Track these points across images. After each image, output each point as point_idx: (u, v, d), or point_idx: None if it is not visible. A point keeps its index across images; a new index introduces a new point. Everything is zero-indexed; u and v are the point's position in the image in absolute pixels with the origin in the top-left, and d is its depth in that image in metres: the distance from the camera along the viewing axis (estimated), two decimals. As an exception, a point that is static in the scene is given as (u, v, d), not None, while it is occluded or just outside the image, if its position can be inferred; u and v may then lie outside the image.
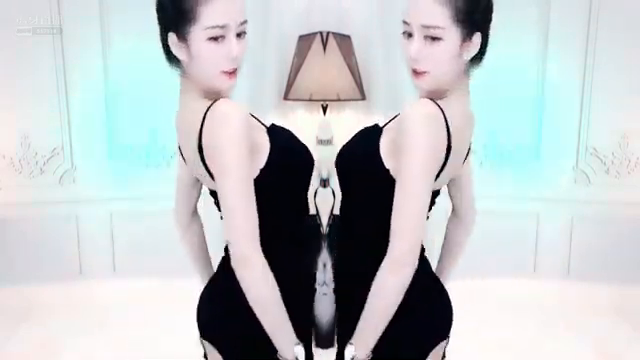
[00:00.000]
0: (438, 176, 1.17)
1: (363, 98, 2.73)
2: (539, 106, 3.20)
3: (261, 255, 1.12)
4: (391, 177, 1.17)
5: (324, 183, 2.73)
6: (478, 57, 1.21)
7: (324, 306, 2.72)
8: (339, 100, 2.66)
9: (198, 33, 1.10)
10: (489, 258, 3.12)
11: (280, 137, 1.26)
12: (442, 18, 1.10)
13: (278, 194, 1.23)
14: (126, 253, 3.32)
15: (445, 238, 1.53)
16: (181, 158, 1.35)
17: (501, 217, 3.28)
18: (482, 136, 3.24)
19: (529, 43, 3.12)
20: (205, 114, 1.12)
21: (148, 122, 3.19)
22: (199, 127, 1.12)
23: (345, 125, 3.05)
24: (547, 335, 2.85)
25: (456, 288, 1.50)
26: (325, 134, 2.75)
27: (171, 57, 1.19)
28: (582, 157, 3.22)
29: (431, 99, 1.15)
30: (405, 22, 1.16)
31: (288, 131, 1.32)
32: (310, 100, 2.66)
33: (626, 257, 3.24)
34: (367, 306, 1.15)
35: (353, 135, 1.34)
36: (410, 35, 1.15)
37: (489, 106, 3.21)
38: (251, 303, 1.14)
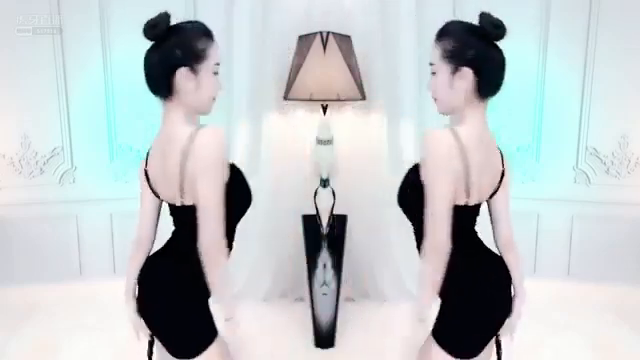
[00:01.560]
0: None
1: (363, 98, 2.73)
2: (539, 106, 3.21)
3: None
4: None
5: (324, 183, 2.72)
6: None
7: (324, 306, 2.73)
8: (339, 100, 2.66)
9: (208, 68, 1.46)
10: (489, 258, 3.12)
11: None
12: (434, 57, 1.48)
13: None
14: (126, 253, 3.31)
15: None
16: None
17: (501, 217, 3.27)
18: (482, 136, 3.24)
19: (529, 43, 3.13)
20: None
21: (148, 122, 3.19)
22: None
23: (345, 125, 3.05)
24: (547, 335, 2.85)
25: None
26: (325, 134, 2.75)
27: (160, 88, 1.51)
28: (582, 157, 3.23)
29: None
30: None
31: None
32: (310, 100, 2.65)
33: (626, 257, 3.25)
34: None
35: None
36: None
37: (489, 106, 3.22)
38: None
